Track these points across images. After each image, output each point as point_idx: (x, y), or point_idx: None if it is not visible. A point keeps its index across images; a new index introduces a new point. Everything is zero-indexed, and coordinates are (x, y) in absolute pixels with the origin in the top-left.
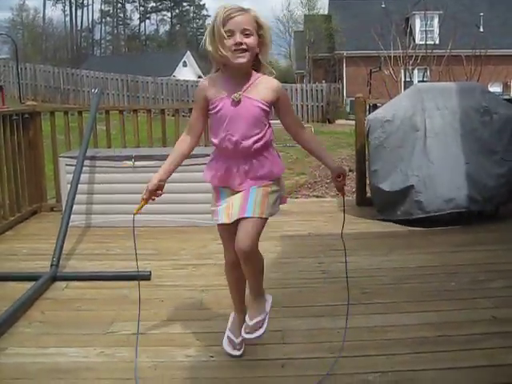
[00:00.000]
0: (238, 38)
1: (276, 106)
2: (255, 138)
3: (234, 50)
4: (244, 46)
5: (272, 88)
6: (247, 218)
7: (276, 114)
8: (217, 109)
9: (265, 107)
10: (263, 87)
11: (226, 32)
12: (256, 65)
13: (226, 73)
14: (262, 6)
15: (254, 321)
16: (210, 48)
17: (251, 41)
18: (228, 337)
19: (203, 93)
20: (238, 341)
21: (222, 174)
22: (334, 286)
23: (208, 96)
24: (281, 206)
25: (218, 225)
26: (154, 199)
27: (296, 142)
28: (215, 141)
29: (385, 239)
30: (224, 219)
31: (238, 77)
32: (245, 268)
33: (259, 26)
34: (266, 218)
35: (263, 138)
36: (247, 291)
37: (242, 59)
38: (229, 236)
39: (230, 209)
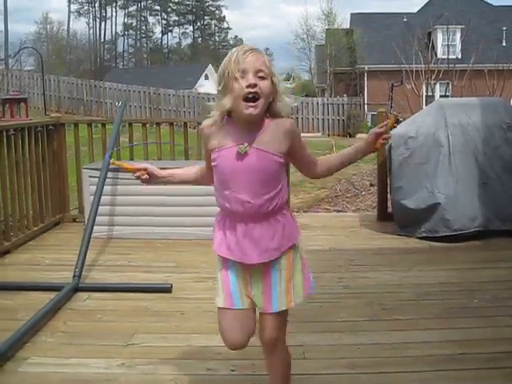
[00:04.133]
0: (252, 79)
1: (289, 151)
2: (267, 196)
3: (246, 98)
4: (257, 90)
5: (284, 132)
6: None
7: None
8: (216, 162)
9: (280, 159)
10: (275, 134)
11: (238, 74)
12: (269, 113)
13: (233, 118)
14: (282, 19)
15: None
16: (217, 91)
17: (266, 85)
18: None
19: (205, 141)
20: None
21: (230, 241)
22: (355, 302)
23: (209, 146)
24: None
25: (222, 308)
26: (138, 175)
27: (313, 177)
28: (220, 200)
29: (406, 255)
30: (245, 304)
31: (247, 125)
32: (271, 360)
33: (271, 71)
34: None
35: (277, 197)
36: None
37: (253, 110)
38: (234, 323)
39: (249, 294)
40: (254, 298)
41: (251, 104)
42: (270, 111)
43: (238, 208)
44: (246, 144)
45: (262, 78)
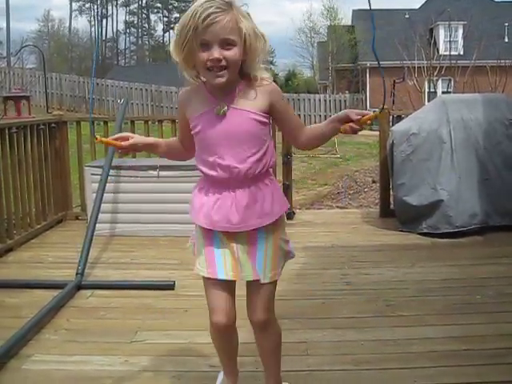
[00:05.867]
0: (216, 52)
1: (272, 114)
2: (253, 158)
3: (210, 67)
4: (223, 63)
5: (266, 91)
6: (257, 282)
7: (275, 124)
8: (197, 129)
9: (261, 118)
10: (255, 92)
11: (199, 43)
12: (243, 72)
13: (206, 82)
14: (286, 16)
15: None
16: (177, 59)
17: (233, 54)
18: None
19: (182, 110)
20: None
21: (214, 210)
22: (358, 298)
23: (187, 114)
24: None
25: (209, 278)
26: (121, 146)
27: (299, 146)
28: (203, 168)
29: (408, 251)
30: (231, 276)
31: (221, 88)
32: (262, 341)
33: (241, 31)
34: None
35: (264, 158)
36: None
37: (221, 79)
38: (222, 293)
39: (237, 266)
40: (243, 275)
41: (217, 73)
42: (244, 72)
43: (225, 174)
44: (224, 104)
45: (230, 45)
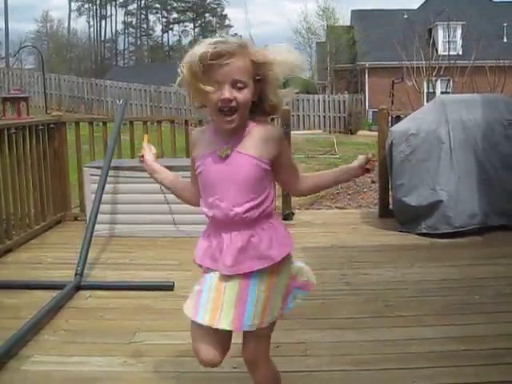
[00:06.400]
0: (227, 93)
1: (275, 161)
2: (250, 204)
3: (220, 109)
4: (233, 104)
5: (273, 139)
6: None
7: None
8: (200, 169)
9: (264, 165)
10: (261, 138)
11: (210, 84)
12: (256, 113)
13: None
14: (285, 16)
15: None
16: (189, 91)
17: (243, 96)
18: None
19: (191, 149)
20: None
21: (211, 249)
22: (357, 299)
23: (194, 154)
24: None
25: (193, 321)
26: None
27: (298, 194)
28: (204, 208)
29: (407, 252)
30: (206, 320)
31: (229, 130)
32: (252, 374)
33: (258, 65)
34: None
35: (262, 205)
36: None
37: (231, 124)
38: (205, 340)
39: (217, 309)
40: (221, 320)
41: (227, 118)
42: (257, 111)
43: (221, 216)
44: (226, 147)
45: (241, 88)
